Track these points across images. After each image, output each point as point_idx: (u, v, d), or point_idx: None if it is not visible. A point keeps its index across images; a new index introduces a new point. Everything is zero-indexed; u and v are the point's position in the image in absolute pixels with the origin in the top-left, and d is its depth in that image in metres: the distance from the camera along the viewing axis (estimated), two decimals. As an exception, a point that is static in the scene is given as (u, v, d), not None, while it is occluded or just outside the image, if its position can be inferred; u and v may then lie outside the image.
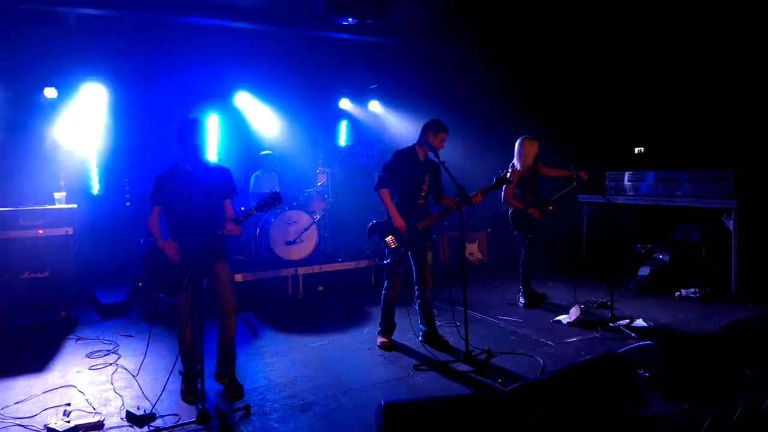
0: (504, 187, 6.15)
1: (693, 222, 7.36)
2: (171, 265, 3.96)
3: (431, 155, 4.97)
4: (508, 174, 6.10)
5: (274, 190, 4.05)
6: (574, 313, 5.77)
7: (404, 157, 5.04)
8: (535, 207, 6.23)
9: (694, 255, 7.16)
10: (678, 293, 6.75)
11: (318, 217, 7.46)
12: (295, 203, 7.37)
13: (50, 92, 7.06)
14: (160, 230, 4.04)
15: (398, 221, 4.89)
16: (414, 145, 5.07)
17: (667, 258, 7.15)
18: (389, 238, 4.94)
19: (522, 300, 6.47)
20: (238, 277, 6.65)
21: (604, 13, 7.75)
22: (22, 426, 3.65)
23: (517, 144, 6.31)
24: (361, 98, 9.40)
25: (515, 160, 6.30)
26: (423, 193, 5.02)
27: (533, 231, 6.32)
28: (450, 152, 4.88)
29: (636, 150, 9.28)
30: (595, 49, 8.55)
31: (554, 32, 8.35)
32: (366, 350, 5.10)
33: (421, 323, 5.25)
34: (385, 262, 5.06)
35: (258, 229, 7.25)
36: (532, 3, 7.57)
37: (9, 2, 6.32)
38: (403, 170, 4.99)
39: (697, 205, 6.95)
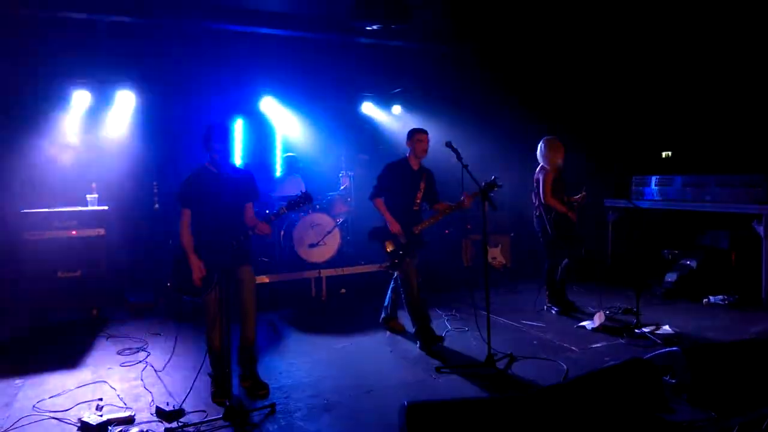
0: (542, 187, 6.13)
1: (722, 228, 7.23)
2: (199, 285, 4.04)
3: (423, 164, 5.37)
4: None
5: (302, 191, 4.16)
6: (599, 318, 5.73)
7: (396, 168, 5.39)
8: (572, 211, 6.15)
9: (723, 261, 7.03)
10: (706, 300, 6.65)
11: (341, 220, 7.53)
12: (318, 206, 7.45)
13: (82, 97, 7.24)
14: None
15: (395, 226, 5.21)
16: (407, 157, 5.38)
17: (694, 264, 7.04)
18: (387, 243, 5.24)
19: (555, 308, 6.37)
20: (263, 279, 6.76)
21: (632, 15, 7.68)
22: (57, 419, 3.77)
23: (540, 145, 6.25)
24: (383, 102, 9.45)
25: (542, 162, 6.24)
26: (417, 200, 5.36)
27: (570, 236, 6.20)
28: (472, 155, 4.89)
29: (663, 154, 9.16)
30: (623, 52, 8.47)
31: (580, 34, 8.30)
32: (388, 352, 5.14)
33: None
34: (385, 265, 5.32)
35: (282, 232, 7.34)
36: (557, 4, 7.53)
37: (43, 10, 6.52)
38: (395, 180, 5.33)
39: (727, 210, 6.83)
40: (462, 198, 5.06)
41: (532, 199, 6.37)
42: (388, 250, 5.22)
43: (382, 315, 5.81)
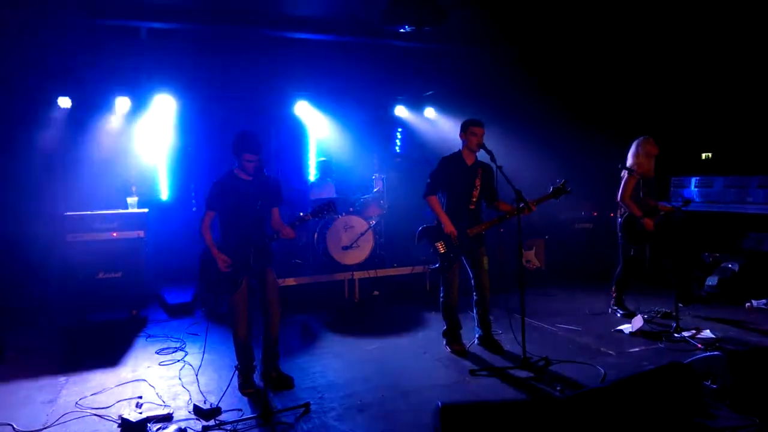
0: (621, 187, 5.92)
1: (765, 230, 7.01)
2: (227, 271, 4.18)
3: (478, 158, 5.06)
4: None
5: (330, 198, 4.24)
6: (637, 322, 5.61)
7: (450, 163, 5.08)
8: (650, 218, 5.87)
9: (766, 264, 6.82)
10: (748, 304, 6.45)
11: (374, 222, 7.55)
12: (351, 209, 7.48)
13: (123, 102, 7.44)
14: (212, 235, 4.28)
15: (448, 227, 4.92)
16: (460, 151, 5.12)
17: (736, 267, 6.84)
18: (438, 244, 4.97)
19: (620, 311, 6.22)
20: (293, 281, 6.83)
21: (670, 16, 7.52)
22: (99, 416, 3.88)
23: (634, 144, 6.02)
24: (416, 105, 9.46)
25: (630, 161, 5.98)
26: (474, 199, 5.03)
27: (642, 242, 5.99)
28: (505, 158, 4.82)
29: (703, 156, 8.93)
30: (660, 51, 8.30)
31: (618, 35, 8.16)
32: (422, 354, 5.13)
33: (478, 326, 5.24)
34: (434, 266, 5.06)
35: (316, 234, 7.40)
36: (595, 6, 7.41)
37: (86, 17, 6.72)
38: (449, 176, 5.03)
39: (770, 212, 6.64)
40: (521, 205, 4.66)
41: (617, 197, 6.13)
42: (440, 251, 4.96)
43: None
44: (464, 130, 5.03)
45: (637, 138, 6.04)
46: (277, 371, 4.38)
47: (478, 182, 5.03)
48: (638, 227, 5.92)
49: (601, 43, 8.42)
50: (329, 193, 7.95)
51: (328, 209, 4.16)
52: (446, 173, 5.05)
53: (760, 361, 3.81)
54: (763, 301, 6.39)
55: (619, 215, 6.11)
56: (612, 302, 6.37)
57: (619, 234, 6.09)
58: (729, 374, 3.70)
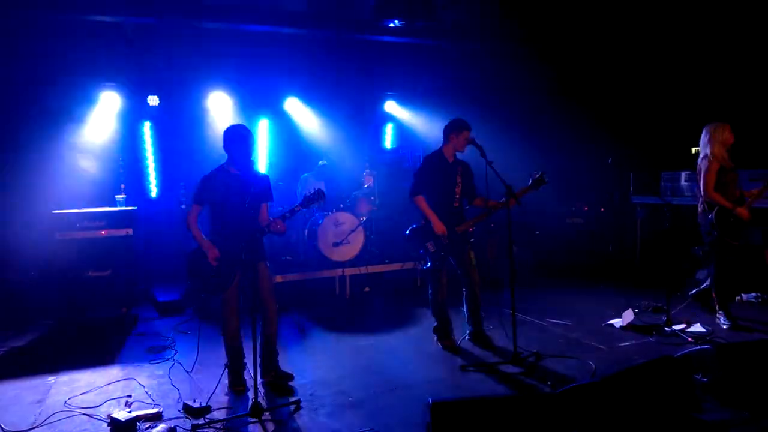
0: (703, 179, 5.44)
1: (755, 224, 7.03)
2: (215, 265, 4.15)
3: (459, 155, 5.12)
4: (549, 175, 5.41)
5: (318, 187, 4.23)
6: (628, 317, 5.63)
7: (433, 161, 5.10)
8: (742, 206, 5.43)
9: (755, 258, 6.85)
10: (738, 298, 6.50)
11: (365, 218, 7.53)
12: (342, 205, 7.46)
13: (111, 98, 7.37)
14: (201, 230, 4.25)
15: (439, 226, 4.91)
16: (441, 148, 5.13)
17: (726, 261, 6.87)
18: (429, 244, 4.98)
19: (724, 322, 5.50)
20: (283, 277, 6.80)
21: (654, 10, 7.54)
22: (88, 415, 3.84)
23: (706, 131, 5.54)
24: (406, 101, 9.43)
25: (706, 150, 5.49)
26: (457, 196, 5.07)
27: (740, 236, 5.46)
28: (494, 154, 4.80)
29: (693, 150, 8.96)
30: (649, 47, 8.32)
31: (606, 29, 8.18)
32: (412, 350, 5.13)
33: (468, 322, 5.24)
34: (426, 266, 5.08)
35: (306, 230, 7.38)
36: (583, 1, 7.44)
37: (72, 14, 6.65)
38: (433, 175, 5.05)
39: (760, 205, 6.63)
40: (505, 199, 4.68)
41: (696, 191, 5.80)
42: (431, 251, 4.95)
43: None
44: (456, 132, 5.00)
45: (708, 125, 5.56)
46: (276, 369, 4.35)
47: (459, 179, 5.08)
48: (732, 218, 5.42)
49: (591, 37, 8.45)
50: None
51: (317, 198, 4.13)
52: (430, 171, 5.07)
53: (749, 355, 3.83)
54: (753, 294, 6.44)
55: (702, 210, 5.60)
56: (718, 311, 5.64)
57: (713, 232, 5.48)
58: (719, 368, 3.72)
